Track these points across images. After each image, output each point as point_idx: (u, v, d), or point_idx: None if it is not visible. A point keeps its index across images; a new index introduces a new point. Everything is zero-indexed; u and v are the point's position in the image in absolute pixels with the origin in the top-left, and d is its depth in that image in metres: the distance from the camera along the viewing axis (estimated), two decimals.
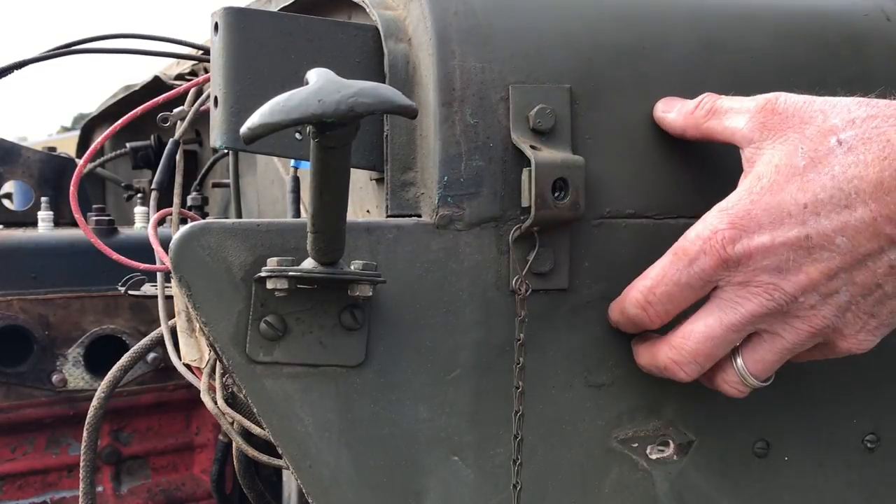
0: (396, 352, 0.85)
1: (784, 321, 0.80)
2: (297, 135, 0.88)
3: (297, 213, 1.13)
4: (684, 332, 0.83)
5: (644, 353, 0.88)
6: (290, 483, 1.52)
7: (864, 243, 0.75)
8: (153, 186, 1.29)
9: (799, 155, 0.77)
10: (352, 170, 0.74)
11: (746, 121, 0.82)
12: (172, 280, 0.93)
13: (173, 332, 1.13)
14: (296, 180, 1.13)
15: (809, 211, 0.76)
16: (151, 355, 1.58)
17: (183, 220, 1.25)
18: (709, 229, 0.79)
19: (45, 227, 1.73)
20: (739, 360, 0.84)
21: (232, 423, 1.01)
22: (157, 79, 1.73)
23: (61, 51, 1.55)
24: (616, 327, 0.89)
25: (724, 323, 0.80)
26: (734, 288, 0.80)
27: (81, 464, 1.24)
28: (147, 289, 1.34)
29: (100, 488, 1.66)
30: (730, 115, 0.85)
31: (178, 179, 1.24)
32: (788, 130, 0.79)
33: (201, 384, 1.04)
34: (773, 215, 0.77)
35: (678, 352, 0.83)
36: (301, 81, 0.68)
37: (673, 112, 0.89)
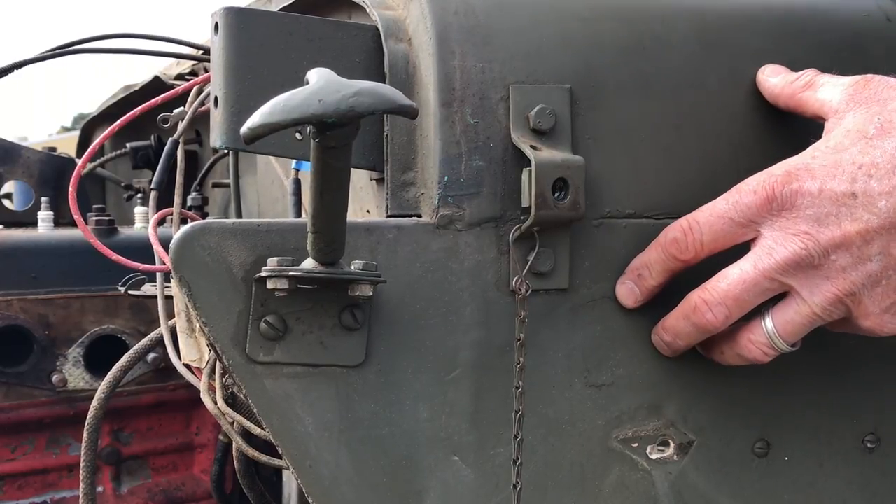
0: (396, 352, 0.85)
1: (813, 281, 0.81)
2: (298, 135, 0.89)
3: (299, 216, 1.13)
4: (718, 276, 0.85)
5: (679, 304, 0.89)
6: (290, 483, 1.52)
7: None
8: (153, 186, 1.29)
9: (873, 124, 0.80)
10: (352, 170, 0.74)
11: (839, 93, 0.85)
12: (172, 280, 0.93)
13: (173, 333, 1.13)
14: (297, 183, 1.13)
15: (863, 172, 0.79)
16: (151, 355, 1.58)
17: (183, 220, 1.25)
18: (765, 174, 0.82)
19: (45, 227, 1.73)
20: (769, 320, 0.85)
21: (232, 424, 1.01)
22: (157, 79, 1.73)
23: (61, 51, 1.55)
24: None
25: (758, 268, 0.82)
26: (773, 234, 0.81)
27: (81, 464, 1.24)
28: (147, 289, 1.34)
29: (100, 488, 1.65)
30: (825, 87, 0.87)
31: (179, 179, 1.24)
32: (873, 104, 0.82)
33: (201, 384, 1.04)
34: (828, 169, 0.80)
35: (709, 292, 0.84)
36: (301, 81, 0.68)
37: (776, 78, 0.92)
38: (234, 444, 1.08)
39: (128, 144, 1.91)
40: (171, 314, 1.15)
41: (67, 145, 2.80)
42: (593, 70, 0.89)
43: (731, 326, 0.86)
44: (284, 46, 0.88)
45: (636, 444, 0.93)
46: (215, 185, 1.67)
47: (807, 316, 0.83)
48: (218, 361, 0.99)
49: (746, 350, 0.87)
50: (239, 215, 1.44)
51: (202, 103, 1.24)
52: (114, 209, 2.21)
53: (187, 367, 1.09)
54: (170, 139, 1.30)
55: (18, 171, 1.91)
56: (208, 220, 0.84)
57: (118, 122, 1.20)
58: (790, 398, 0.97)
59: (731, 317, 0.85)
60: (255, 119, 0.65)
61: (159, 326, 1.19)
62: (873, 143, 0.79)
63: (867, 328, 0.84)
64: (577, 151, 0.87)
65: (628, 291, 0.90)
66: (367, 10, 0.92)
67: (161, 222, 1.22)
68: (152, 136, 1.88)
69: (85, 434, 1.23)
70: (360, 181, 1.00)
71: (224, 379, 1.02)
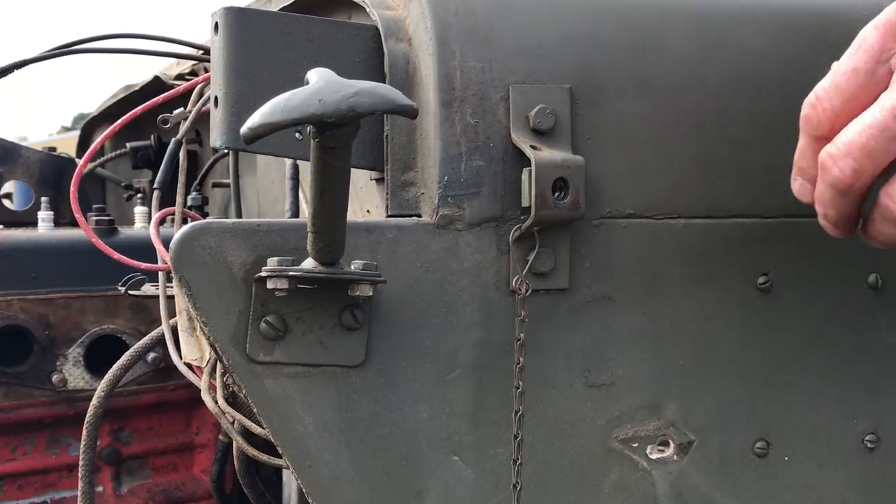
0: (397, 352, 0.85)
1: None
2: (298, 135, 0.89)
3: (296, 201, 1.13)
4: (847, 126, 0.75)
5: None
6: (290, 483, 1.52)
7: None
8: (155, 186, 1.29)
9: None
10: (352, 170, 0.74)
11: None
12: (173, 280, 0.93)
13: (174, 331, 1.13)
14: (295, 168, 1.13)
15: None
16: (151, 355, 1.58)
17: (184, 220, 1.25)
18: (884, 16, 0.73)
19: (45, 227, 1.73)
20: None
21: (232, 423, 1.01)
22: (157, 79, 1.73)
23: (61, 51, 1.55)
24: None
25: (887, 107, 0.72)
26: None
27: (80, 463, 1.24)
28: (147, 288, 1.34)
29: (100, 488, 1.65)
30: None
31: (181, 179, 1.24)
32: None
33: (202, 383, 1.04)
34: None
35: (835, 144, 0.74)
36: (301, 81, 0.68)
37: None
38: (234, 444, 1.08)
39: (128, 144, 1.91)
40: (172, 313, 1.15)
41: (67, 145, 2.80)
42: (593, 70, 0.90)
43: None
44: (284, 46, 0.88)
45: (636, 444, 0.93)
46: (215, 185, 1.67)
47: None
48: (218, 361, 0.99)
49: (888, 210, 0.75)
50: (239, 215, 1.44)
51: (203, 103, 1.24)
52: (114, 209, 2.21)
53: (188, 366, 1.09)
54: (173, 139, 1.30)
55: (18, 171, 1.91)
56: (208, 219, 0.84)
57: (118, 122, 1.20)
58: (790, 398, 0.97)
59: (861, 170, 0.74)
60: (255, 119, 0.65)
61: (159, 326, 1.19)
62: None
63: None
64: (577, 151, 0.87)
65: (799, 188, 0.81)
66: (367, 10, 0.92)
67: (161, 222, 1.22)
68: (152, 136, 1.88)
69: (84, 433, 1.23)
70: (360, 181, 1.00)
71: (225, 378, 1.02)
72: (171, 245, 0.81)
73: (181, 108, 1.28)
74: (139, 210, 1.80)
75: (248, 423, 0.99)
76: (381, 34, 0.90)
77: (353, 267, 0.80)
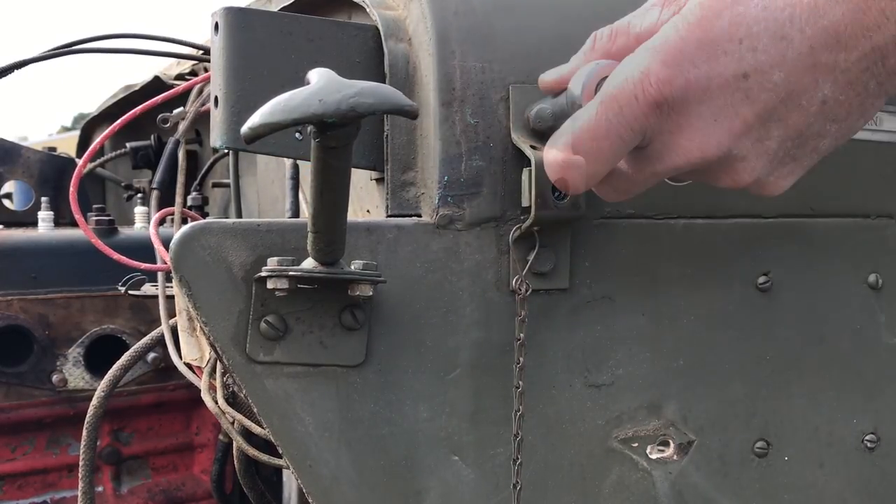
0: (397, 352, 0.85)
1: (713, 174, 0.75)
2: (298, 135, 0.89)
3: (296, 201, 1.13)
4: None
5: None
6: (290, 483, 1.52)
7: (801, 77, 0.70)
8: (154, 186, 1.29)
9: None
10: (352, 170, 0.74)
11: (656, 9, 0.75)
12: (173, 279, 0.93)
13: (174, 331, 1.13)
14: (295, 168, 1.13)
15: (745, 46, 0.69)
16: (151, 355, 1.58)
17: (184, 220, 1.25)
18: (638, 70, 0.71)
19: (45, 227, 1.73)
20: None
21: (232, 423, 1.01)
22: (157, 79, 1.73)
23: (61, 51, 1.55)
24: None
25: (669, 166, 0.74)
26: (664, 138, 0.73)
27: (80, 463, 1.24)
28: (147, 288, 1.34)
29: (100, 488, 1.65)
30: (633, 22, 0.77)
31: (181, 179, 1.24)
32: None
33: (202, 383, 1.04)
34: (708, 52, 0.70)
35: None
36: (301, 81, 0.68)
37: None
38: (234, 444, 1.08)
39: (128, 144, 1.91)
40: (172, 313, 1.15)
41: (67, 145, 2.80)
42: None
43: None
44: (284, 46, 0.88)
45: (636, 444, 0.93)
46: (215, 185, 1.67)
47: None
48: (218, 361, 0.99)
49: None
50: (239, 215, 1.44)
51: (203, 103, 1.24)
52: (114, 209, 2.21)
53: (188, 366, 1.09)
54: (171, 139, 1.31)
55: (18, 171, 1.91)
56: (208, 219, 0.84)
57: (118, 122, 1.20)
58: (790, 398, 0.97)
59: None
60: (255, 119, 0.65)
61: (159, 326, 1.19)
62: (738, 12, 0.69)
63: (755, 191, 0.77)
64: None
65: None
66: (367, 10, 0.92)
67: (161, 222, 1.22)
68: (152, 136, 1.88)
69: (84, 433, 1.23)
70: (361, 181, 1.00)
71: (225, 378, 1.02)
72: (171, 245, 0.81)
73: (180, 108, 1.28)
74: (139, 210, 1.80)
75: (248, 423, 0.99)
76: (381, 34, 0.90)
77: (353, 267, 0.80)
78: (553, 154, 0.75)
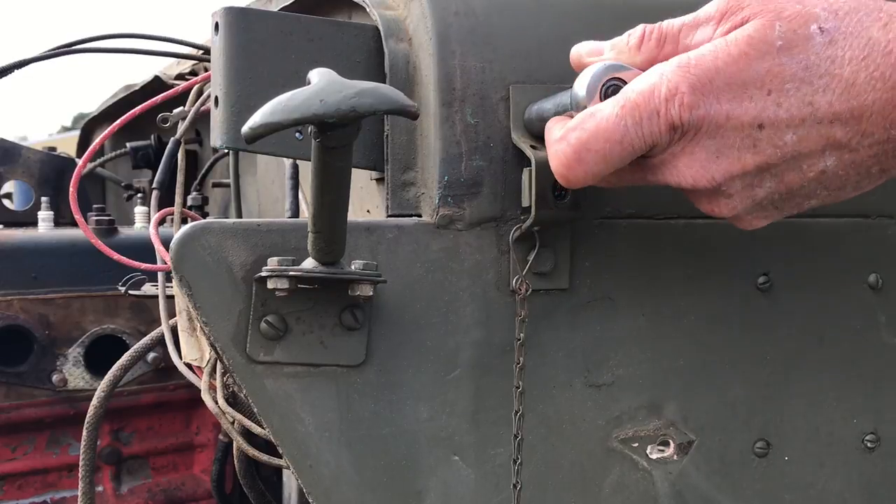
0: (397, 352, 0.85)
1: (695, 195, 0.77)
2: (298, 134, 0.89)
3: (296, 201, 1.13)
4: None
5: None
6: (290, 483, 1.52)
7: (811, 145, 0.71)
8: (154, 186, 1.29)
9: (776, 32, 0.69)
10: (352, 170, 0.74)
11: (712, 24, 0.74)
12: (173, 280, 0.93)
13: (174, 332, 1.13)
14: (295, 168, 1.13)
15: (772, 99, 0.70)
16: (151, 355, 1.58)
17: (184, 220, 1.25)
18: (667, 87, 0.70)
19: (45, 227, 1.73)
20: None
21: (233, 423, 1.01)
22: (157, 79, 1.73)
23: (61, 51, 1.55)
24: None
25: (660, 180, 0.76)
26: (665, 157, 0.74)
27: (81, 463, 1.24)
28: (147, 288, 1.34)
29: (100, 488, 1.66)
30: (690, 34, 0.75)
31: (180, 179, 1.24)
32: (761, 11, 0.71)
33: (202, 383, 1.04)
34: (735, 92, 0.70)
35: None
36: (301, 81, 0.68)
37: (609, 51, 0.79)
38: (234, 444, 1.08)
39: (128, 144, 1.91)
40: (172, 313, 1.15)
41: (67, 145, 2.80)
42: None
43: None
44: (284, 46, 0.88)
45: (636, 444, 0.93)
46: (215, 185, 1.67)
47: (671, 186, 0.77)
48: (218, 361, 0.99)
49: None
50: (239, 215, 1.44)
51: (203, 103, 1.24)
52: (114, 209, 2.21)
53: (188, 366, 1.09)
54: (171, 139, 1.31)
55: (18, 171, 1.91)
56: (209, 219, 0.84)
57: (118, 122, 1.20)
58: (790, 398, 0.97)
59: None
60: (256, 119, 0.65)
61: (159, 326, 1.19)
62: (781, 62, 0.69)
63: (729, 221, 0.79)
64: None
65: None
66: (368, 10, 0.92)
67: (161, 222, 1.22)
68: (152, 136, 1.88)
69: (84, 433, 1.23)
70: (361, 181, 1.00)
71: (225, 378, 1.02)
72: (172, 245, 0.81)
73: (180, 108, 1.28)
74: (139, 210, 1.80)
75: (248, 423, 0.99)
76: (382, 34, 0.90)
77: (353, 267, 0.80)
78: (562, 147, 0.74)
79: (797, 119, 0.70)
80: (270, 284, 0.78)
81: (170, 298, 1.17)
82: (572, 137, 0.73)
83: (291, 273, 0.78)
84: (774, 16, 0.70)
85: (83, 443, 1.24)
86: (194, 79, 1.29)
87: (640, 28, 0.77)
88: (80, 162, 1.33)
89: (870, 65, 0.68)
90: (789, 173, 0.72)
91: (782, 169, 0.72)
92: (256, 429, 0.97)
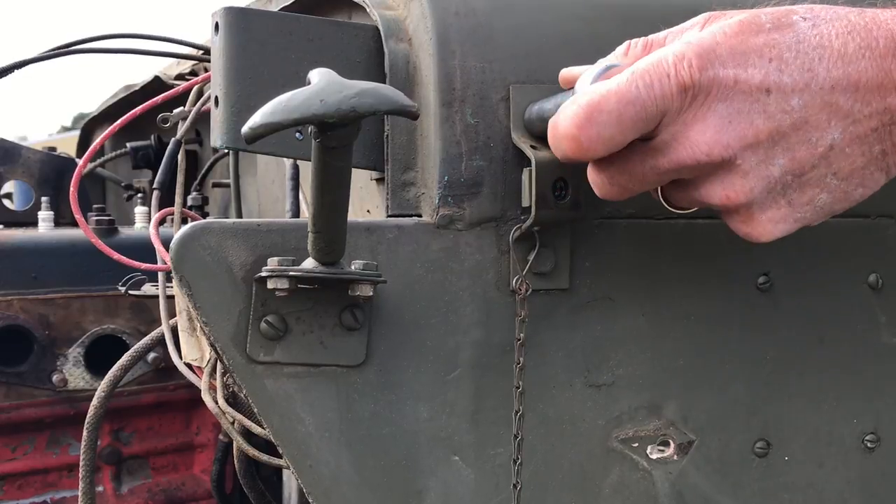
0: (397, 352, 0.85)
1: (709, 183, 0.76)
2: (298, 135, 0.89)
3: (296, 201, 1.13)
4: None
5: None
6: (290, 483, 1.52)
7: (817, 111, 0.73)
8: (154, 186, 1.29)
9: (763, 19, 0.74)
10: (352, 170, 0.74)
11: (696, 28, 0.77)
12: (173, 280, 0.93)
13: (174, 332, 1.13)
14: (295, 168, 1.13)
15: (774, 66, 0.72)
16: (152, 355, 1.58)
17: (184, 220, 1.25)
18: (673, 53, 0.72)
19: (45, 227, 1.73)
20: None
21: (233, 423, 1.01)
22: (157, 79, 1.73)
23: (61, 51, 1.55)
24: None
25: (673, 160, 0.75)
26: (676, 128, 0.74)
27: (81, 463, 1.24)
28: (147, 288, 1.34)
29: (100, 488, 1.66)
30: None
31: (180, 179, 1.24)
32: (745, 12, 0.75)
33: (202, 383, 1.04)
34: (739, 59, 0.72)
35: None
36: (301, 81, 0.68)
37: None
38: (234, 444, 1.08)
39: (128, 144, 1.91)
40: (172, 313, 1.15)
41: (67, 145, 2.80)
42: None
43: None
44: (284, 46, 0.89)
45: (636, 444, 0.93)
46: (215, 185, 1.67)
47: (694, 201, 0.78)
48: (219, 361, 0.99)
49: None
50: (239, 215, 1.45)
51: (203, 103, 1.24)
52: (114, 209, 2.21)
53: (188, 366, 1.09)
54: (172, 139, 1.31)
55: (18, 171, 1.91)
56: (209, 219, 0.84)
57: (118, 122, 1.20)
58: (790, 398, 0.97)
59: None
60: (256, 119, 0.65)
61: (159, 326, 1.19)
62: (774, 38, 0.73)
63: (745, 233, 0.78)
64: None
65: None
66: (368, 10, 0.92)
67: (161, 222, 1.22)
68: (152, 136, 1.88)
69: (84, 433, 1.24)
70: (361, 181, 1.00)
71: (225, 378, 1.02)
72: (172, 245, 0.81)
73: (181, 108, 1.28)
74: (139, 210, 1.80)
75: (248, 423, 0.99)
76: (382, 34, 0.90)
77: (353, 267, 0.80)
78: (573, 108, 0.73)
79: (801, 84, 0.72)
80: (270, 284, 0.78)
81: (170, 298, 1.17)
82: (583, 99, 0.73)
83: (291, 273, 0.78)
84: (758, 10, 0.75)
85: (83, 443, 1.24)
86: (194, 79, 1.29)
87: (624, 43, 0.81)
88: (80, 162, 1.33)
89: (855, 37, 0.72)
90: (800, 147, 0.74)
91: (793, 140, 0.73)
92: (256, 429, 0.97)
